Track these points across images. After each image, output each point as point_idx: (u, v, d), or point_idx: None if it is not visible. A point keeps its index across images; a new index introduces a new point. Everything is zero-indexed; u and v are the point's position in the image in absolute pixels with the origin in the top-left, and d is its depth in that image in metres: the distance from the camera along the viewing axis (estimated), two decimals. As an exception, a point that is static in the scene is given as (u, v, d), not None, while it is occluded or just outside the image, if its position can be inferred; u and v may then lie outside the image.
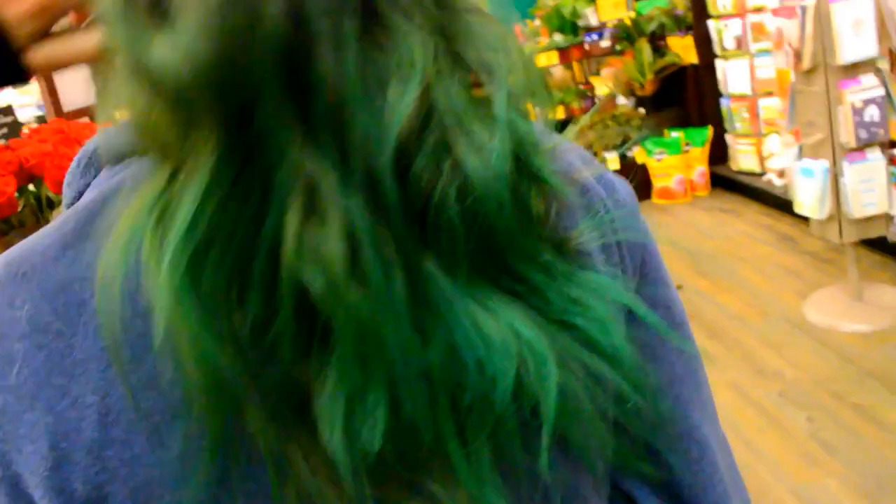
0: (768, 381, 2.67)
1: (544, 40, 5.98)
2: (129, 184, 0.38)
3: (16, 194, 1.37)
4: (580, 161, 0.47)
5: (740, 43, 4.28)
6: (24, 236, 1.38)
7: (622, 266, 0.46)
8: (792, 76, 2.99)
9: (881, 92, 2.74)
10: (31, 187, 1.43)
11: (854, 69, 2.76)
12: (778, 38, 2.93)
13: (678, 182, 4.61)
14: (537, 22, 6.42)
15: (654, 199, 4.73)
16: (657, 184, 4.68)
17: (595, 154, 4.91)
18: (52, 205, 1.45)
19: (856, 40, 2.72)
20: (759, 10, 4.11)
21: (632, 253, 0.47)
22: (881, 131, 2.77)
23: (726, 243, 3.89)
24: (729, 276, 3.53)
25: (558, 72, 5.55)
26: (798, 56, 2.83)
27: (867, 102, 2.75)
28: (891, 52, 3.02)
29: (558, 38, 5.74)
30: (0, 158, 1.40)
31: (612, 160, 4.73)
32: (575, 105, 5.22)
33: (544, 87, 0.40)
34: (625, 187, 0.49)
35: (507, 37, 0.39)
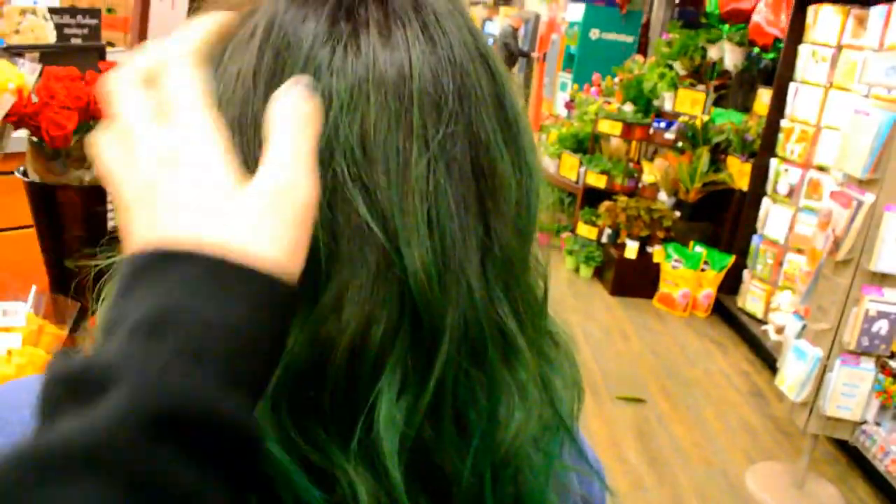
0: (685, 533, 2.72)
1: (615, 103, 6.01)
2: None
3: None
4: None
5: (792, 192, 4.30)
6: (67, 167, 1.38)
7: None
8: (823, 258, 3.02)
9: (898, 310, 2.78)
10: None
11: (882, 279, 2.79)
12: (825, 220, 2.96)
13: (682, 295, 4.65)
14: (617, 80, 6.44)
15: (655, 302, 4.78)
16: (663, 288, 4.72)
17: (619, 235, 4.95)
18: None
19: (894, 252, 2.76)
20: (822, 169, 4.13)
21: None
22: (883, 346, 2.82)
23: (702, 376, 3.94)
24: (691, 409, 3.58)
25: (616, 142, 5.57)
26: (836, 245, 2.86)
27: (881, 315, 2.79)
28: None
29: (628, 108, 5.77)
30: (72, 88, 1.42)
31: (632, 249, 4.77)
32: (617, 181, 5.25)
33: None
34: (599, 494, 0.53)
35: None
